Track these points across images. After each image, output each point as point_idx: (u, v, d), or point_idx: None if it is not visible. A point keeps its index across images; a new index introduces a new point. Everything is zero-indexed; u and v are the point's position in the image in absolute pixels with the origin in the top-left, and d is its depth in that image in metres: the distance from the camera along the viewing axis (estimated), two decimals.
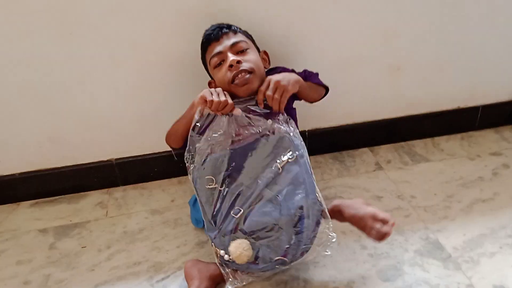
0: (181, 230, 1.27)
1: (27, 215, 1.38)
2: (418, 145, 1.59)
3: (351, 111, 1.54)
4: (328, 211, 1.04)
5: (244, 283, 1.00)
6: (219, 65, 1.15)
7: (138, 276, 1.12)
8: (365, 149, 1.58)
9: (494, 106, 1.62)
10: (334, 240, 1.02)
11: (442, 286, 1.03)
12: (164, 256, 1.18)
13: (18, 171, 1.41)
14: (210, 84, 1.25)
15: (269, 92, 1.07)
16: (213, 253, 1.02)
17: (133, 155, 1.46)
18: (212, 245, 1.02)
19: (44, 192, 1.44)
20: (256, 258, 0.99)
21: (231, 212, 1.03)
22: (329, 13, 1.34)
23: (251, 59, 1.14)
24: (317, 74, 1.26)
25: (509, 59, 1.56)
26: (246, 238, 1.00)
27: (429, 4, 1.39)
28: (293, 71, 1.23)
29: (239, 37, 1.17)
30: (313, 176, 1.06)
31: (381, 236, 1.00)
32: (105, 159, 1.44)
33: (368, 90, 1.51)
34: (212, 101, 1.06)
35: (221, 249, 1.00)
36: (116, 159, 1.45)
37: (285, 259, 0.99)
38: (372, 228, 1.00)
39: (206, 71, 1.25)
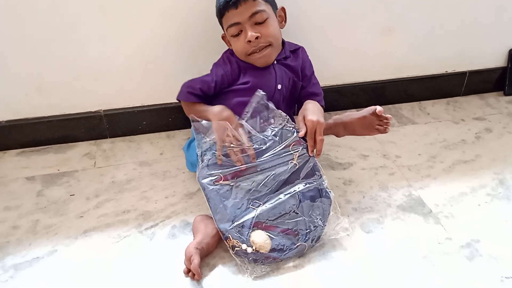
0: (170, 182, 1.28)
1: (13, 163, 1.37)
2: (405, 108, 1.62)
3: (340, 72, 1.55)
4: (331, 126, 1.16)
5: (263, 272, 1.00)
6: (236, 35, 1.15)
7: (126, 224, 1.14)
8: (353, 110, 1.59)
9: (481, 73, 1.65)
10: (346, 225, 1.08)
11: (422, 239, 1.07)
12: (153, 206, 1.20)
13: (5, 119, 1.39)
14: (224, 38, 1.24)
15: (318, 147, 1.08)
16: (227, 244, 1.01)
17: (121, 107, 1.44)
18: (227, 238, 1.01)
19: (31, 141, 1.43)
20: (276, 246, 1.01)
21: (250, 205, 1.04)
22: None
23: (270, 33, 1.15)
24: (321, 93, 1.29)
25: (498, 27, 1.57)
26: (263, 229, 1.02)
27: None
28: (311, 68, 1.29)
29: (258, 5, 1.13)
30: (319, 164, 1.10)
31: (386, 129, 1.15)
32: (93, 110, 1.43)
33: (359, 51, 1.51)
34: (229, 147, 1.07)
35: (241, 242, 1.00)
36: (105, 111, 1.43)
37: (304, 244, 1.03)
38: (378, 124, 1.15)
39: (218, 25, 1.23)
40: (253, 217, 1.03)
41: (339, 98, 1.58)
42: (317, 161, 1.11)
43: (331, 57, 1.50)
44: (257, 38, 1.13)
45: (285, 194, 1.05)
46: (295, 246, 1.02)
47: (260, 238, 1.00)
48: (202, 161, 1.08)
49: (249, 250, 0.99)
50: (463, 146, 1.40)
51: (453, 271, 0.99)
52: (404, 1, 1.44)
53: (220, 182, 1.05)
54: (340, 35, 1.47)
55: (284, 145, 1.09)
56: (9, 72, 1.32)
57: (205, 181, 1.06)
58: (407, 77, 1.60)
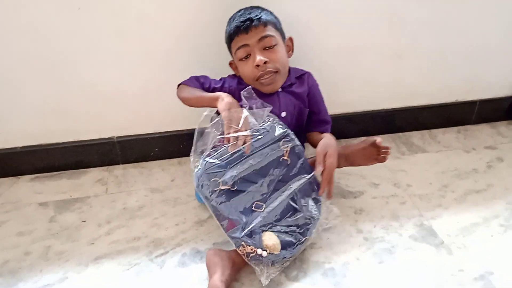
0: (181, 209, 1.29)
1: (27, 189, 1.39)
2: (415, 136, 1.62)
3: (350, 100, 1.56)
4: None
5: (277, 274, 1.02)
6: (245, 58, 1.17)
7: (137, 251, 1.14)
8: (363, 138, 1.59)
9: (491, 101, 1.65)
10: (337, 213, 1.13)
11: (435, 270, 1.06)
12: (163, 233, 1.20)
13: (20, 145, 1.41)
14: (231, 65, 1.27)
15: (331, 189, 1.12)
16: (240, 252, 1.01)
17: (134, 133, 1.46)
18: (241, 245, 1.00)
19: (45, 167, 1.45)
20: (285, 244, 1.03)
21: (253, 207, 1.05)
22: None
23: (277, 59, 1.17)
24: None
25: (509, 56, 1.58)
26: (268, 230, 1.03)
27: None
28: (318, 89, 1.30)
29: (269, 31, 1.16)
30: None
31: (385, 158, 1.18)
32: (106, 136, 1.45)
33: (369, 79, 1.53)
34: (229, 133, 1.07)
35: (255, 247, 1.00)
36: (118, 137, 1.45)
37: (308, 237, 1.07)
38: (377, 154, 1.18)
39: (228, 51, 1.25)
40: (261, 220, 1.03)
41: (349, 125, 1.59)
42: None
43: (341, 85, 1.51)
44: (265, 62, 1.14)
45: (283, 192, 1.08)
46: (302, 240, 1.05)
47: (271, 240, 1.01)
48: (196, 167, 1.06)
49: (264, 254, 1.00)
50: (475, 175, 1.39)
51: None
52: (414, 29, 1.46)
53: (220, 187, 1.04)
54: (350, 63, 1.48)
55: (275, 140, 1.10)
56: (25, 98, 1.35)
57: (205, 190, 1.04)
58: (418, 105, 1.61)
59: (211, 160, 1.05)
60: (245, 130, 1.07)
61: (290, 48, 1.26)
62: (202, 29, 1.32)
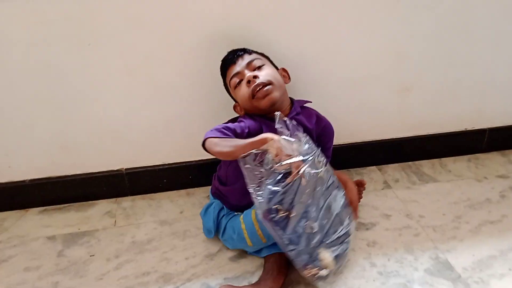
0: (190, 242, 1.27)
1: (35, 222, 1.38)
2: (425, 165, 1.60)
3: (359, 130, 1.55)
4: None
5: (334, 281, 1.09)
6: (238, 84, 1.21)
7: (146, 287, 1.12)
8: (373, 168, 1.59)
9: (501, 129, 1.64)
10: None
11: None
12: (173, 267, 1.18)
13: (29, 178, 1.41)
14: (235, 108, 1.28)
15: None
16: (306, 273, 1.01)
17: (143, 165, 1.46)
18: (306, 269, 1.01)
19: (53, 199, 1.44)
20: (336, 257, 1.07)
21: (305, 229, 1.03)
22: (341, 33, 1.37)
23: (267, 73, 1.20)
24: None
25: None
26: (322, 247, 1.05)
27: (439, 27, 1.41)
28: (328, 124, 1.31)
29: (254, 56, 1.23)
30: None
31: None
32: (115, 168, 1.45)
33: (377, 110, 1.52)
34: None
35: (321, 269, 1.02)
36: (126, 169, 1.45)
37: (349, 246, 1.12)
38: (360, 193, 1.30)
39: (229, 96, 1.29)
40: (318, 239, 1.03)
41: (357, 155, 1.58)
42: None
43: (349, 115, 1.51)
44: (254, 77, 1.17)
45: (331, 210, 1.09)
46: (346, 249, 1.10)
47: (328, 258, 1.03)
48: (258, 196, 1.02)
49: (326, 272, 1.03)
50: (489, 206, 1.37)
51: None
52: (421, 59, 1.46)
53: (280, 214, 1.01)
54: (358, 94, 1.48)
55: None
56: (34, 132, 1.36)
57: (269, 217, 1.01)
58: (426, 134, 1.60)
59: (273, 188, 1.02)
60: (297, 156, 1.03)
61: (286, 77, 1.28)
62: (211, 65, 1.32)
